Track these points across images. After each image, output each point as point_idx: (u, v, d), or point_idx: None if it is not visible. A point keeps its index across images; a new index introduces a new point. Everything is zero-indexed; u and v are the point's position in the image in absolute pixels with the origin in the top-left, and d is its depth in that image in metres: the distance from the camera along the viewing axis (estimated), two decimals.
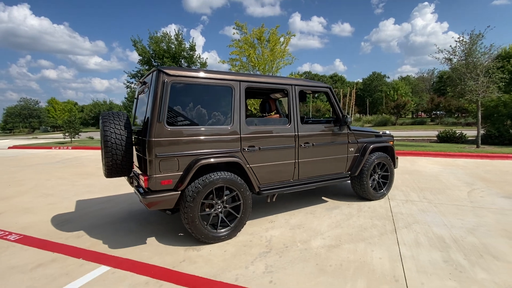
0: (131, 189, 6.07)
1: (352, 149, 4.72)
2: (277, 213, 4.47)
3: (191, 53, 22.35)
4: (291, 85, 4.13)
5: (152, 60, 21.62)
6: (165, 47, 21.39)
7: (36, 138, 32.65)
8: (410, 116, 49.14)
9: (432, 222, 3.92)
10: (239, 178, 3.52)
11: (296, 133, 4.08)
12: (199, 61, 22.93)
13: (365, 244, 3.31)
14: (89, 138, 23.93)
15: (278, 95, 5.29)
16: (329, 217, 4.21)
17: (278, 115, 4.58)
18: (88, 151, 14.65)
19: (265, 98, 5.15)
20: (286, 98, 4.20)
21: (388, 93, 48.46)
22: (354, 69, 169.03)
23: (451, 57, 10.68)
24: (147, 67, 21.32)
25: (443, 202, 4.83)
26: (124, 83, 22.91)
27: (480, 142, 10.65)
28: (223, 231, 3.45)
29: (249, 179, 3.64)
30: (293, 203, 4.92)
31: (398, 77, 68.13)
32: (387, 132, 5.41)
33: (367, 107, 53.13)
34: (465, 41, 10.28)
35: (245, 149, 3.63)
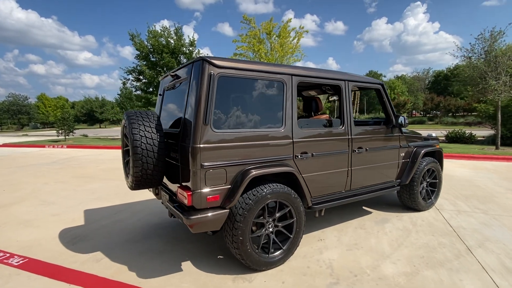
0: (145, 196, 5.44)
1: (403, 154, 4.19)
2: (320, 228, 3.91)
3: (190, 48, 21.57)
4: (345, 80, 3.56)
5: (150, 55, 20.79)
6: (164, 42, 20.59)
7: (26, 135, 31.40)
8: (406, 115, 49.13)
9: (506, 240, 3.42)
10: (293, 191, 2.95)
11: (350, 137, 3.52)
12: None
13: (447, 271, 2.78)
14: (83, 136, 22.99)
15: (315, 92, 4.71)
16: (385, 233, 3.67)
17: (327, 115, 4.02)
18: (85, 151, 13.86)
19: (309, 96, 4.57)
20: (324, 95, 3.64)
21: None
22: (347, 68, 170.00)
23: (470, 55, 10.28)
24: (145, 63, 20.47)
25: (499, 212, 4.35)
26: (121, 79, 21.99)
27: (499, 143, 10.29)
28: (275, 255, 2.88)
29: (303, 191, 3.06)
30: (334, 215, 4.37)
31: (394, 76, 68.32)
32: (433, 134, 4.90)
33: (364, 106, 52.89)
34: (486, 38, 9.88)
35: (297, 156, 3.06)
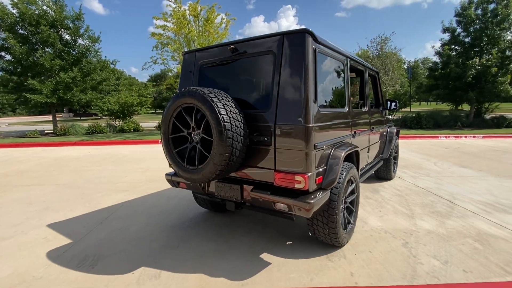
0: (113, 199, 4.50)
1: (385, 133, 4.96)
2: None
3: (77, 23, 17.82)
4: (365, 66, 3.93)
5: (18, 26, 16.08)
6: (37, 11, 16.22)
7: None
8: None
9: (463, 192, 4.60)
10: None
11: (370, 117, 3.95)
12: (88, 34, 18.53)
13: (459, 218, 3.58)
14: None
15: None
16: (389, 200, 4.32)
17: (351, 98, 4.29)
18: None
19: None
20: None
21: None
22: None
23: (369, 53, 12.64)
24: (11, 35, 15.60)
25: (435, 175, 5.75)
26: None
27: None
28: (348, 230, 3.01)
29: (358, 168, 3.28)
30: None
31: None
32: (389, 117, 5.95)
33: None
34: (378, 42, 12.36)
35: (353, 134, 3.25)
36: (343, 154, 2.66)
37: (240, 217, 3.75)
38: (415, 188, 4.86)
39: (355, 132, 3.31)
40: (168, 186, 5.15)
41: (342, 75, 3.07)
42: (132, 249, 2.96)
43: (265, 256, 2.76)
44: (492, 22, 14.80)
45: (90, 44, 18.13)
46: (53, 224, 3.61)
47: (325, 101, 2.70)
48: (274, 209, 2.52)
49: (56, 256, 2.84)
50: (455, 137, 11.24)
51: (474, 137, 11.17)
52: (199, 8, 10.87)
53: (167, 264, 2.64)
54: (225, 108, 2.33)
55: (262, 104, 2.56)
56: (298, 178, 2.34)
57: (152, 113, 44.88)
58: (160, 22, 11.42)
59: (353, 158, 3.16)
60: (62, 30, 17.50)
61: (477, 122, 15.93)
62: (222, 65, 2.94)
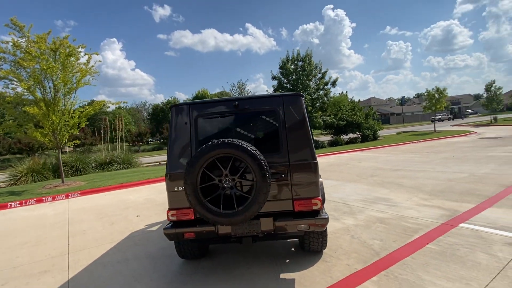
0: (37, 283, 3.65)
1: None
2: None
3: None
4: None
5: None
6: None
7: None
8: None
9: (345, 196, 6.61)
10: None
11: None
12: None
13: (361, 213, 5.30)
14: None
15: None
16: None
17: None
18: None
19: None
20: None
21: (114, 121, 48.53)
22: None
23: (231, 95, 14.64)
24: None
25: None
26: None
27: None
28: None
29: None
30: None
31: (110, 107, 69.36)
32: None
33: (103, 135, 49.60)
34: (237, 86, 14.65)
35: None
36: (321, 179, 3.64)
37: (220, 257, 3.94)
38: None
39: None
40: (102, 252, 4.42)
41: None
42: None
43: (286, 276, 3.26)
44: (302, 74, 20.66)
45: None
46: None
47: None
48: (291, 232, 3.15)
49: None
50: None
51: None
52: (57, 41, 9.41)
53: None
54: (261, 155, 2.83)
55: (273, 148, 3.19)
56: (315, 201, 3.12)
57: None
58: None
59: None
60: None
61: None
62: (222, 117, 3.33)
